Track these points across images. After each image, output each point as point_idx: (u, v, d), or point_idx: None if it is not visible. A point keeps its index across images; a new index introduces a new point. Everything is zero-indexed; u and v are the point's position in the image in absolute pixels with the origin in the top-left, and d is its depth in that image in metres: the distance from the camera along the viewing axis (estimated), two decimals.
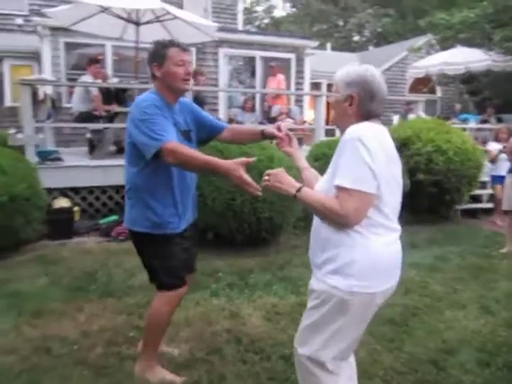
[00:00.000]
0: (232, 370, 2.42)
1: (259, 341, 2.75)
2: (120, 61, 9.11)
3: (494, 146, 6.31)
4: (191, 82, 6.26)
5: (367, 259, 1.52)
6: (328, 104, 14.14)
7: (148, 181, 2.08)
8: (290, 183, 1.62)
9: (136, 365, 2.31)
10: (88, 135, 6.77)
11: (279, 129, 2.09)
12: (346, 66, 1.67)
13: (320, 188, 1.66)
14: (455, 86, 12.66)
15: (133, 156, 2.08)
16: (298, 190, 1.59)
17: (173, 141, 1.94)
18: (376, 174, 1.46)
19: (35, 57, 9.36)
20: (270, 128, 2.18)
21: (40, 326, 2.88)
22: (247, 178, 1.76)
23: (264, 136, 2.22)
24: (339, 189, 1.48)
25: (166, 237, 2.12)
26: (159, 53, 2.07)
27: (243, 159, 1.81)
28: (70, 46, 8.48)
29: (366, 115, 1.60)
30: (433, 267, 4.26)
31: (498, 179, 6.10)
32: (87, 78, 6.02)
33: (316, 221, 1.66)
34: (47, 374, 2.35)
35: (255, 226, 4.45)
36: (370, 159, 1.45)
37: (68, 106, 8.27)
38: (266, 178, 1.65)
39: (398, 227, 1.63)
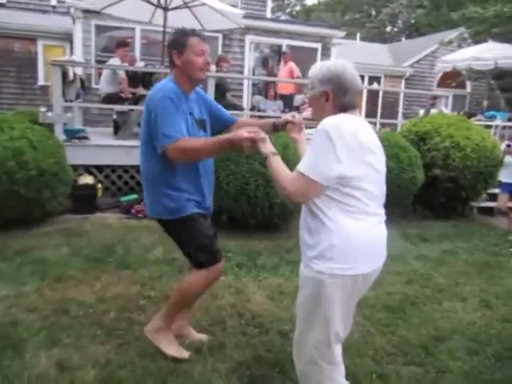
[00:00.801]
0: (232, 341, 2.61)
1: (260, 316, 2.92)
2: (148, 44, 9.33)
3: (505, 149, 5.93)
4: (214, 68, 6.41)
5: (346, 242, 1.63)
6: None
7: (167, 169, 2.09)
8: (270, 147, 1.80)
9: (149, 326, 2.39)
10: (114, 116, 7.04)
11: (291, 121, 2.16)
12: (318, 63, 1.78)
13: None
14: (486, 82, 12.38)
15: (149, 144, 2.09)
16: (273, 155, 1.75)
17: (178, 140, 1.97)
18: (342, 166, 1.57)
19: (67, 38, 9.68)
20: (281, 120, 2.22)
21: (60, 290, 3.13)
22: (252, 136, 1.82)
23: (276, 128, 2.24)
24: (296, 171, 1.64)
25: (188, 217, 2.16)
26: (180, 41, 2.09)
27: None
28: (100, 29, 8.75)
29: (342, 108, 1.70)
30: (439, 260, 4.33)
31: (505, 187, 5.70)
32: (115, 61, 6.24)
33: (303, 211, 1.78)
34: (64, 332, 2.58)
35: (267, 211, 4.61)
36: (334, 151, 1.56)
37: (97, 87, 8.58)
38: (253, 132, 1.82)
39: (379, 212, 1.73)
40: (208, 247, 2.21)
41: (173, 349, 2.36)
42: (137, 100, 6.22)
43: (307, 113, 6.80)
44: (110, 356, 2.38)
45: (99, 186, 5.22)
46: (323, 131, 1.59)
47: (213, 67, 6.43)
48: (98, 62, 8.54)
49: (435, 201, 5.88)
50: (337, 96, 1.69)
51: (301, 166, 1.63)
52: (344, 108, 1.70)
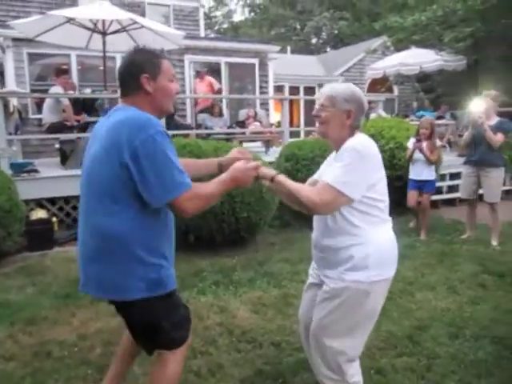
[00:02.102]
0: (228, 359, 2.60)
1: (250, 331, 2.94)
2: (84, 70, 9.07)
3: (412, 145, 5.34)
4: None
5: (378, 251, 1.79)
6: (291, 107, 14.52)
7: (140, 225, 1.61)
8: (269, 169, 1.88)
9: None
10: (57, 145, 6.76)
11: (241, 152, 2.02)
12: (335, 83, 1.98)
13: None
14: (411, 85, 13.29)
15: (120, 194, 1.57)
16: (278, 175, 1.82)
17: (191, 187, 1.59)
18: (369, 181, 1.75)
19: None
20: (227, 158, 2.04)
21: (35, 332, 2.95)
22: (255, 165, 1.75)
23: (220, 168, 2.00)
24: (325, 184, 1.73)
25: (172, 292, 1.72)
26: (152, 63, 1.70)
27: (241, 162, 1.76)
28: (33, 57, 8.40)
29: (356, 126, 1.88)
30: (402, 255, 4.42)
31: (414, 184, 5.33)
32: (57, 89, 6.03)
33: (319, 230, 1.90)
34: (51, 376, 2.44)
35: (234, 226, 4.64)
36: (365, 168, 1.74)
37: (34, 117, 8.23)
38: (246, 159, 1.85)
39: (389, 218, 1.92)
40: (185, 322, 1.81)
41: None
42: (83, 127, 6.03)
43: (253, 127, 6.94)
44: None
45: (54, 219, 4.98)
46: (355, 151, 1.74)
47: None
48: (32, 91, 8.17)
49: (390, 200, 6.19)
50: (356, 115, 1.85)
51: (331, 180, 1.72)
52: (357, 126, 1.88)
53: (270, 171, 1.85)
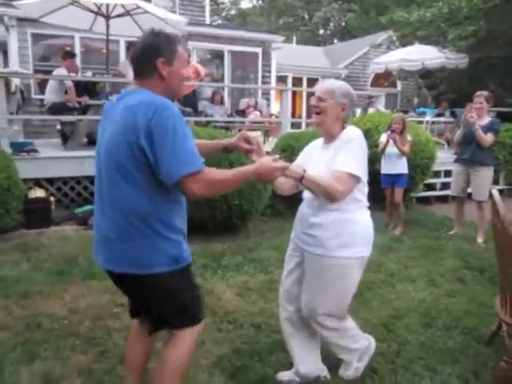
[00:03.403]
0: (209, 337, 2.74)
1: (232, 312, 3.08)
2: (88, 52, 9.13)
3: (385, 138, 5.34)
4: None
5: (364, 230, 2.11)
6: (294, 98, 14.54)
7: (159, 202, 1.66)
8: (296, 168, 1.92)
9: None
10: (58, 127, 6.86)
11: (247, 140, 2.03)
12: (330, 80, 2.20)
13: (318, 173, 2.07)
14: (414, 81, 13.30)
15: (139, 174, 1.61)
16: (305, 172, 1.91)
17: (202, 170, 1.59)
18: (366, 168, 2.04)
19: (1, 48, 9.23)
20: (232, 141, 2.07)
21: (28, 305, 3.09)
22: (282, 165, 1.73)
23: (226, 150, 2.10)
24: (344, 173, 1.94)
25: (188, 266, 1.78)
26: (170, 47, 1.70)
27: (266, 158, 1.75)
28: (37, 38, 8.47)
29: (347, 119, 2.15)
30: (388, 248, 4.69)
31: (387, 180, 5.36)
32: (61, 71, 6.11)
33: (305, 213, 2.16)
34: (41, 346, 2.59)
35: (226, 213, 4.76)
36: (364, 154, 2.04)
37: (36, 97, 8.32)
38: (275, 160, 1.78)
39: (368, 204, 2.18)
40: (203, 301, 1.86)
41: None
42: (84, 110, 6.12)
43: (253, 116, 7.05)
44: (93, 364, 2.43)
45: (52, 198, 5.10)
46: (358, 140, 2.04)
47: None
48: (36, 71, 8.25)
49: (378, 194, 6.30)
50: (349, 109, 2.12)
51: (349, 168, 1.94)
52: (347, 120, 2.15)
53: (297, 171, 1.89)
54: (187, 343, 1.79)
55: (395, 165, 5.29)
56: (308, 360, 2.33)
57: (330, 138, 2.12)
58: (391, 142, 5.20)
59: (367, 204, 2.15)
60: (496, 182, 7.81)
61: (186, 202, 1.82)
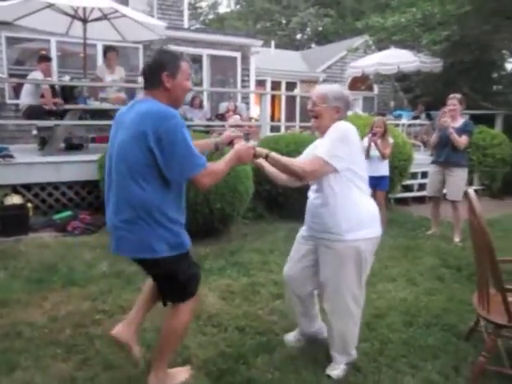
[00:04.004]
0: (194, 341, 2.73)
1: (216, 316, 3.07)
2: (64, 56, 8.99)
3: (367, 142, 5.35)
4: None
5: (369, 212, 2.30)
6: (273, 101, 14.63)
7: (162, 198, 1.95)
8: (263, 148, 2.25)
9: (152, 376, 2.20)
10: (34, 132, 6.73)
11: (231, 143, 2.31)
12: (326, 84, 2.43)
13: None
14: (390, 84, 13.55)
15: (147, 173, 1.91)
16: (270, 152, 2.22)
17: (208, 166, 1.96)
18: (349, 156, 2.19)
19: None
20: (220, 140, 2.38)
21: (7, 314, 3.02)
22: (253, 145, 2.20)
23: (217, 147, 2.39)
24: (318, 156, 2.17)
25: (186, 252, 2.09)
26: (174, 63, 1.99)
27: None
28: (12, 41, 8.29)
29: (343, 119, 2.31)
30: None
31: (369, 182, 5.43)
32: (37, 74, 6.00)
33: (314, 204, 2.36)
34: (21, 355, 2.52)
35: (208, 217, 4.74)
36: (347, 146, 2.19)
37: (11, 102, 8.14)
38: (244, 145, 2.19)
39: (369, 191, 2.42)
40: (198, 277, 2.19)
41: (178, 377, 2.31)
42: (62, 114, 6.02)
43: (232, 120, 7.08)
44: (75, 373, 2.39)
45: (29, 205, 5.00)
46: (343, 130, 2.21)
47: (140, 79, 6.42)
48: (10, 75, 8.07)
49: None
50: (343, 111, 2.31)
51: (320, 153, 2.17)
52: (344, 119, 2.31)
53: (264, 150, 2.23)
54: (186, 312, 2.16)
55: (377, 167, 5.35)
56: (311, 323, 2.65)
57: (325, 133, 2.31)
58: (373, 145, 5.29)
59: (369, 190, 2.37)
60: (470, 182, 8.02)
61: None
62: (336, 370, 2.40)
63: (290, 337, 2.74)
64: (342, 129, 2.22)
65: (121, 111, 2.09)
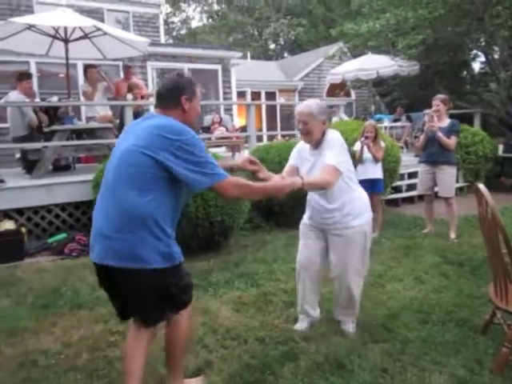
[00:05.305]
0: (216, 356, 2.69)
1: (234, 329, 3.04)
2: (44, 77, 8.87)
3: (359, 146, 5.45)
4: (130, 96, 6.38)
5: (364, 199, 2.82)
6: (256, 112, 14.72)
7: (161, 211, 1.94)
8: (294, 179, 2.41)
9: None
10: (17, 155, 6.60)
11: (252, 162, 2.50)
12: (310, 100, 2.75)
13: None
14: (368, 89, 13.83)
15: (146, 184, 1.90)
16: (302, 179, 2.39)
17: (227, 177, 2.01)
18: (347, 159, 2.68)
19: None
20: (237, 163, 2.60)
21: (18, 344, 2.92)
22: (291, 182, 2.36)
23: (232, 170, 2.48)
24: (331, 165, 2.52)
25: (180, 264, 2.06)
26: (191, 88, 2.11)
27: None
28: None
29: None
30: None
31: (364, 185, 5.52)
32: (18, 95, 5.87)
33: (322, 204, 2.75)
34: None
35: (208, 230, 4.72)
36: (345, 150, 2.65)
37: None
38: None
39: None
40: (191, 285, 2.18)
41: None
42: (49, 136, 5.92)
43: (219, 132, 7.11)
44: None
45: (23, 230, 4.87)
46: (339, 140, 2.65)
47: (129, 96, 6.39)
48: None
49: None
50: (326, 122, 2.70)
51: (335, 163, 2.52)
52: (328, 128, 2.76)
53: (297, 181, 2.35)
54: (185, 319, 2.16)
55: (371, 170, 5.42)
56: (315, 306, 3.05)
57: (317, 143, 2.70)
58: (366, 148, 5.36)
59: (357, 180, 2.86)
60: (456, 180, 8.21)
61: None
62: (351, 326, 2.93)
63: (301, 327, 3.02)
64: (338, 138, 2.65)
65: (132, 122, 2.17)
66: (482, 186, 2.45)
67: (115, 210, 1.92)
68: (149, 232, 1.91)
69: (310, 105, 2.64)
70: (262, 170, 2.53)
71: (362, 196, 2.82)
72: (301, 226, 3.00)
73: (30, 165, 5.93)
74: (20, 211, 5.10)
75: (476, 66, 13.45)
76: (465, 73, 12.93)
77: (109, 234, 1.92)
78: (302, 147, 2.86)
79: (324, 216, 2.77)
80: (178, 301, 2.08)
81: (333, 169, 2.52)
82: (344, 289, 2.86)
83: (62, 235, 5.01)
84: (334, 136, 2.64)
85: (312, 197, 2.84)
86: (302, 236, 2.98)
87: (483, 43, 10.49)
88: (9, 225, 4.78)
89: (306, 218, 2.98)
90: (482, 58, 11.95)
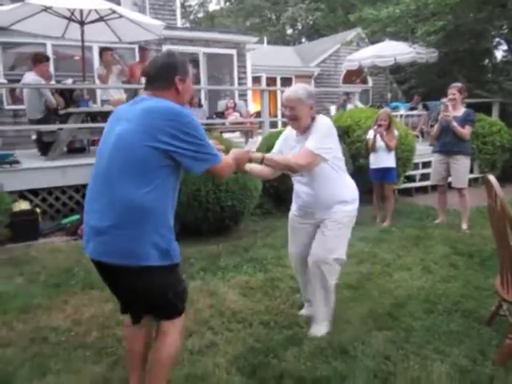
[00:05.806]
0: (221, 338, 2.75)
1: (240, 312, 3.09)
2: (60, 60, 8.93)
3: (372, 134, 5.48)
4: (143, 80, 6.38)
5: (353, 186, 2.79)
6: (271, 98, 14.63)
7: (158, 201, 1.80)
8: (257, 153, 2.47)
9: None
10: (34, 137, 6.69)
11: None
12: (295, 86, 2.68)
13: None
14: (385, 76, 13.61)
15: (146, 174, 1.77)
16: (264, 154, 2.44)
17: (222, 159, 2.00)
18: (334, 146, 2.61)
19: None
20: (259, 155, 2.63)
21: (30, 320, 3.01)
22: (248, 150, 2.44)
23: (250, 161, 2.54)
24: (308, 149, 2.49)
25: (177, 264, 1.93)
26: (184, 68, 1.99)
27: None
28: (7, 46, 8.22)
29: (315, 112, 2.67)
30: (379, 239, 4.80)
31: (376, 174, 5.54)
32: (34, 77, 5.92)
33: (310, 193, 2.70)
34: (51, 359, 2.53)
35: (219, 215, 4.76)
36: (331, 138, 2.60)
37: (8, 108, 8.09)
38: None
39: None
40: (185, 294, 2.03)
41: None
42: (65, 118, 5.98)
43: (233, 117, 7.11)
44: (108, 374, 2.40)
45: (38, 210, 4.97)
46: (327, 126, 2.59)
47: (142, 79, 6.40)
48: (8, 81, 8.00)
49: (363, 188, 6.41)
50: (315, 104, 2.63)
51: (312, 148, 2.49)
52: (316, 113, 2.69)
53: (258, 154, 2.45)
54: (174, 337, 1.97)
55: (383, 159, 5.40)
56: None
57: (305, 129, 2.63)
58: (378, 136, 5.32)
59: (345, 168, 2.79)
60: (471, 170, 8.07)
61: (177, 206, 1.99)
62: (321, 327, 2.77)
63: (305, 312, 3.03)
64: (326, 123, 2.59)
65: (121, 107, 2.00)
66: (491, 177, 2.42)
67: (116, 203, 1.76)
68: (148, 226, 1.78)
69: (297, 90, 2.59)
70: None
71: (350, 185, 2.77)
72: (290, 218, 2.94)
73: (45, 146, 6.02)
74: (35, 192, 5.20)
75: (498, 55, 13.10)
76: (486, 61, 12.60)
77: (105, 230, 1.76)
78: (288, 134, 2.78)
79: (311, 205, 2.73)
80: (171, 306, 1.94)
81: (308, 152, 2.47)
82: (318, 274, 2.74)
83: (76, 216, 5.10)
84: (322, 121, 2.58)
85: (298, 185, 2.79)
86: (292, 230, 2.93)
87: (506, 30, 10.20)
88: (24, 205, 4.88)
89: (294, 209, 2.92)
90: (505, 47, 11.62)
